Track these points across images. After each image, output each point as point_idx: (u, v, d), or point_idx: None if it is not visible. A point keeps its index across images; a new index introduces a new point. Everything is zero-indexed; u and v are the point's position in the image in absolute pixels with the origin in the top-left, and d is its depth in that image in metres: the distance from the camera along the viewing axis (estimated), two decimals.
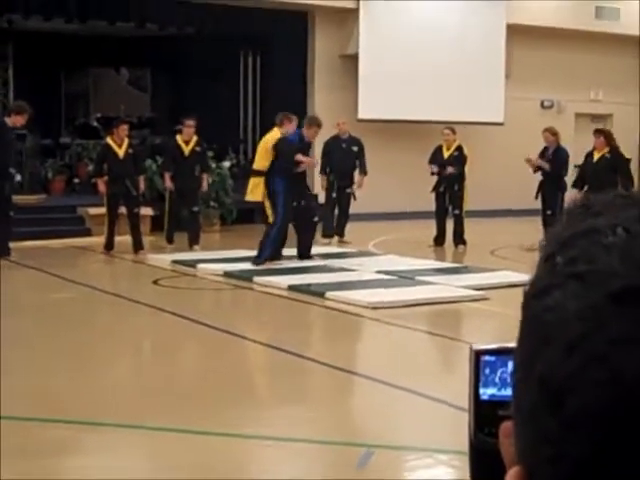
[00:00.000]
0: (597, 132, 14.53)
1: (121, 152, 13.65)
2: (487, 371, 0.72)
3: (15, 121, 12.83)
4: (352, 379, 7.02)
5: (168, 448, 5.21)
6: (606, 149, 13.88)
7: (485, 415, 0.71)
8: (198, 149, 14.26)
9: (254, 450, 5.23)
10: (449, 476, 4.85)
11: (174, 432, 5.36)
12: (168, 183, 14.07)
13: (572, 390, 0.56)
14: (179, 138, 14.29)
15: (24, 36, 19.13)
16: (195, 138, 14.24)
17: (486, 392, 0.72)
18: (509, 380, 0.70)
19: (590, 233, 0.60)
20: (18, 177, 16.36)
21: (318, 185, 15.78)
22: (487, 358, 0.72)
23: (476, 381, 0.72)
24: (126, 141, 13.81)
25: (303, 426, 5.61)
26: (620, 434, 0.54)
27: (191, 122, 14.23)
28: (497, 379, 0.71)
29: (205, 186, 14.49)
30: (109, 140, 13.93)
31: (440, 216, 14.85)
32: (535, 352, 0.59)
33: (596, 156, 13.97)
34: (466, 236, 14.62)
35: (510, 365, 0.70)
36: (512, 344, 0.67)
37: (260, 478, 4.92)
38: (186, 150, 14.15)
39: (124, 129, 13.83)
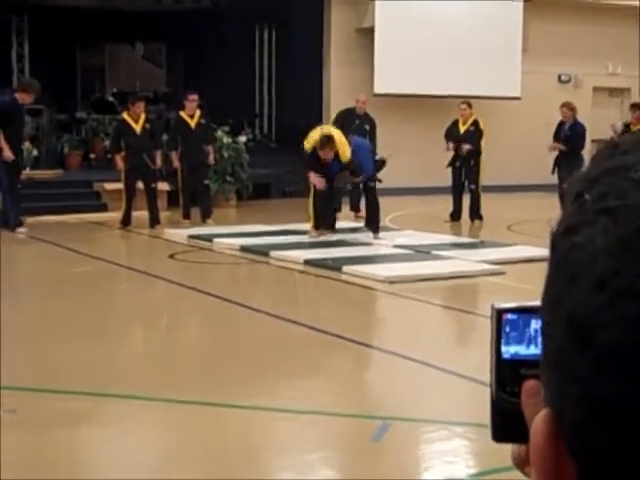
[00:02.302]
0: (633, 107, 14.52)
1: (138, 127, 13.65)
2: (509, 329, 0.71)
3: (22, 98, 12.85)
4: (369, 352, 7.03)
5: (182, 420, 5.24)
6: None
7: (507, 374, 0.70)
8: (203, 121, 14.31)
9: (270, 422, 5.24)
10: (465, 448, 4.86)
11: (188, 404, 5.38)
12: (176, 163, 14.12)
13: (601, 326, 0.54)
14: (183, 113, 14.33)
15: (40, 10, 19.10)
16: (199, 112, 14.29)
17: (508, 351, 0.70)
18: (532, 338, 0.70)
19: (619, 170, 0.58)
20: (35, 152, 16.41)
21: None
22: (510, 316, 0.70)
23: (498, 340, 0.71)
24: (143, 116, 13.81)
25: (320, 399, 5.62)
26: None
27: (194, 96, 14.27)
28: (520, 337, 0.70)
29: (212, 159, 14.51)
30: (125, 115, 13.93)
31: (456, 191, 14.82)
32: (563, 291, 0.57)
33: (632, 130, 14.01)
34: (482, 211, 14.60)
35: (533, 323, 0.69)
36: (535, 302, 0.66)
37: (276, 450, 4.93)
38: (192, 123, 14.18)
39: (140, 106, 13.82)
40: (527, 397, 0.63)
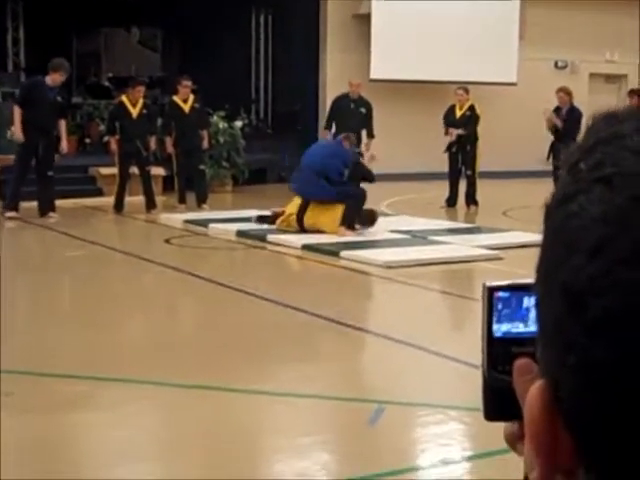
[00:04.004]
0: (631, 92, 14.48)
1: (135, 112, 13.61)
2: (501, 307, 0.70)
3: (52, 79, 12.64)
4: (366, 337, 7.04)
5: (179, 404, 5.24)
6: None
7: (498, 353, 0.70)
8: (197, 106, 14.29)
9: (266, 406, 5.25)
10: (460, 432, 4.87)
11: (184, 388, 5.39)
12: (170, 148, 14.10)
13: (597, 293, 0.54)
14: (176, 98, 14.30)
15: None
16: (192, 96, 14.27)
17: (500, 329, 0.70)
18: (523, 316, 0.70)
19: (615, 139, 0.58)
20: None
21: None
22: (501, 294, 0.70)
23: (489, 318, 0.70)
24: (141, 102, 13.77)
25: (315, 383, 5.64)
26: None
27: (187, 82, 14.27)
28: (511, 316, 0.70)
29: (206, 144, 14.47)
30: (124, 98, 13.87)
31: (452, 177, 14.83)
32: (558, 260, 0.57)
33: None
34: (478, 197, 14.60)
35: (525, 301, 0.69)
36: (527, 280, 0.66)
37: (273, 433, 4.94)
38: (186, 108, 14.15)
39: (140, 90, 13.80)
40: (519, 375, 0.63)
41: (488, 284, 0.71)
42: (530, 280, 0.64)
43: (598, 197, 0.56)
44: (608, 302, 0.54)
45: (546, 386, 0.59)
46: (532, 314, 0.68)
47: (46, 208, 12.83)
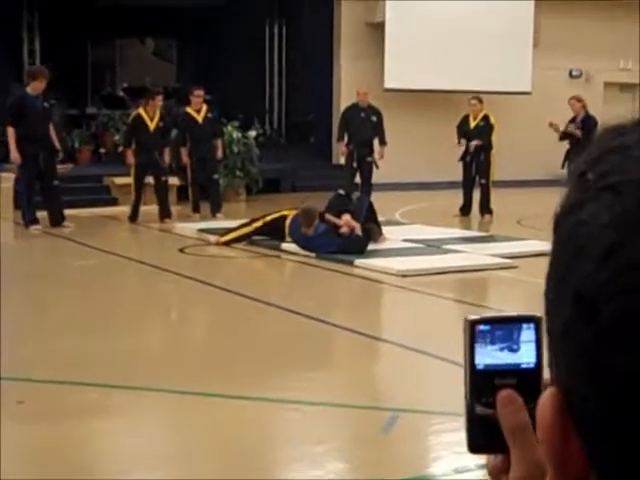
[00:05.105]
0: None
1: (152, 125, 13.62)
2: (482, 340, 0.71)
3: (33, 88, 12.41)
4: (379, 345, 7.03)
5: (193, 411, 5.24)
6: None
7: (481, 385, 0.71)
8: (210, 116, 14.30)
9: (280, 414, 5.25)
10: None
11: (198, 396, 5.39)
12: (185, 159, 14.12)
13: (607, 299, 0.54)
14: (189, 109, 14.32)
15: (50, 6, 19.13)
16: (205, 106, 14.29)
17: (482, 361, 0.71)
18: (505, 348, 0.71)
19: (621, 149, 0.59)
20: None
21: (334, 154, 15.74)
22: (482, 327, 0.71)
23: (471, 351, 0.71)
24: (158, 114, 13.78)
25: (329, 390, 5.63)
26: None
27: (200, 92, 14.28)
28: (493, 348, 0.71)
29: (220, 153, 14.47)
30: (141, 111, 13.88)
31: (467, 186, 14.81)
32: (568, 267, 0.58)
33: None
34: (492, 206, 14.58)
35: (507, 333, 0.70)
36: (508, 313, 0.69)
37: (286, 441, 4.93)
38: (199, 118, 14.17)
39: (159, 99, 13.81)
40: (502, 407, 0.65)
41: (469, 317, 0.72)
42: (512, 313, 0.68)
43: (606, 205, 0.56)
44: (619, 307, 0.54)
45: (557, 393, 0.60)
46: (514, 346, 0.70)
47: (57, 218, 12.82)
